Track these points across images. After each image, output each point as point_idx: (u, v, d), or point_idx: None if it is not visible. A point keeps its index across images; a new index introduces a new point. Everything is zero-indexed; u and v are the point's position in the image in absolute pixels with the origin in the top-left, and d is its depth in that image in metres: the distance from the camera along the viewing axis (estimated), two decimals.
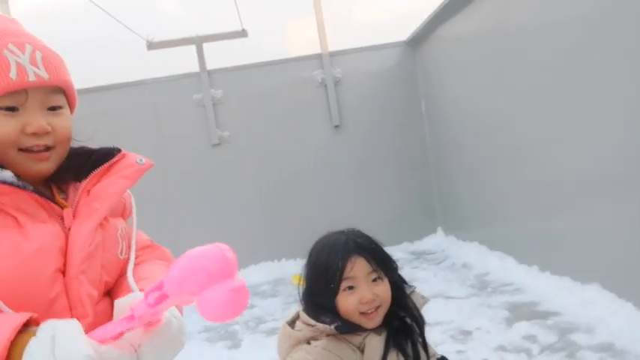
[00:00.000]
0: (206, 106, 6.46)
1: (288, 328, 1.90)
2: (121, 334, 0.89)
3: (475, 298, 4.14)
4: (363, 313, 1.79)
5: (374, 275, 1.84)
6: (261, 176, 6.48)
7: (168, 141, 6.42)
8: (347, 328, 1.77)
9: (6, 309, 0.86)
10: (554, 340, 3.08)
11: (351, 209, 6.21)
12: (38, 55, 1.00)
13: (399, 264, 2.00)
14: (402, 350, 1.81)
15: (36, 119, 0.99)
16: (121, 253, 1.10)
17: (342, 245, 1.87)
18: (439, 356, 1.86)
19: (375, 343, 1.78)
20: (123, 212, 1.23)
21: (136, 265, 1.12)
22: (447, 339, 3.36)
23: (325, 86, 6.55)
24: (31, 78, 0.98)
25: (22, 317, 0.82)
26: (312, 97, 6.57)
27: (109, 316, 0.99)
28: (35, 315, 0.85)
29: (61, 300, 0.95)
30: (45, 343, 0.78)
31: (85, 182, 1.07)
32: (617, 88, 3.11)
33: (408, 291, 1.99)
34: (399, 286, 1.96)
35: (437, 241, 6.36)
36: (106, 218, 1.06)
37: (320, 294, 1.84)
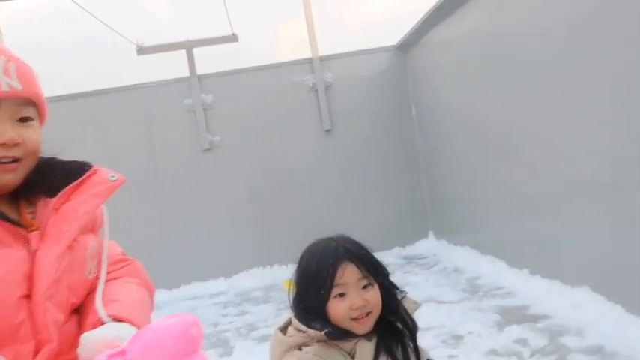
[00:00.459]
0: (196, 111, 6.44)
1: (280, 334, 1.90)
2: None
3: (466, 302, 4.15)
4: (354, 319, 1.79)
5: (364, 281, 1.84)
6: (252, 181, 6.47)
7: (158, 146, 6.39)
8: (338, 334, 1.77)
9: None
10: (545, 344, 3.10)
11: (343, 214, 6.21)
12: (12, 66, 0.99)
13: (390, 269, 2.00)
14: (392, 355, 1.81)
15: (7, 131, 0.97)
16: (90, 273, 1.08)
17: (333, 252, 1.87)
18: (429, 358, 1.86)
19: (366, 349, 1.78)
20: (93, 227, 1.20)
21: (105, 281, 1.08)
22: (438, 344, 3.36)
23: (316, 91, 6.56)
24: (4, 88, 0.97)
25: None
26: (302, 102, 6.57)
27: (75, 337, 0.96)
28: None
29: (26, 326, 0.92)
30: None
31: (54, 200, 1.05)
32: (604, 93, 3.14)
33: (399, 296, 1.99)
34: (389, 292, 1.96)
35: (428, 245, 6.38)
36: (75, 239, 1.04)
37: (310, 300, 1.84)
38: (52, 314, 0.95)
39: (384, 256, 1.99)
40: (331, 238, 1.96)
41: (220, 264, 6.29)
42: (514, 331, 3.33)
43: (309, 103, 6.58)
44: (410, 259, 5.97)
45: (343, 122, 6.57)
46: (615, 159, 3.11)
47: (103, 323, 1.00)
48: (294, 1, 6.68)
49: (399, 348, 1.85)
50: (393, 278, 2.05)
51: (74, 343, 0.95)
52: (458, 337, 3.41)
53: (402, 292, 2.04)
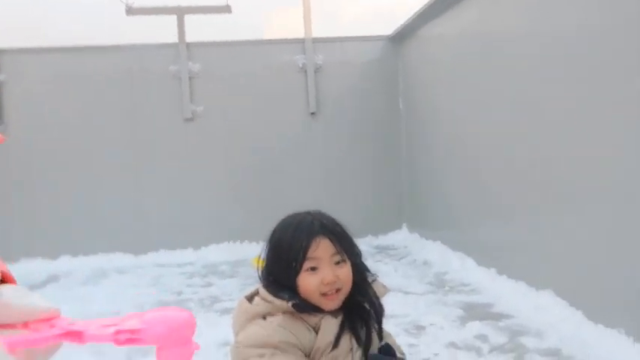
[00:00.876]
0: (182, 79, 6.31)
1: (246, 303, 1.86)
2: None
3: (432, 295, 4.19)
4: (323, 295, 1.77)
5: (337, 258, 1.82)
6: (231, 156, 6.39)
7: (140, 109, 6.25)
8: (305, 307, 1.75)
9: None
10: (505, 342, 3.14)
11: (319, 198, 6.15)
12: None
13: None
14: (356, 334, 1.80)
15: None
16: None
17: (308, 225, 1.84)
18: (383, 344, 1.86)
19: (331, 325, 1.76)
20: None
21: None
22: (400, 332, 3.38)
23: (305, 72, 6.49)
24: None
25: None
26: (290, 82, 6.50)
27: None
28: None
29: None
30: None
31: None
32: (589, 98, 3.16)
33: (370, 279, 1.98)
34: (360, 272, 1.95)
35: (401, 237, 6.42)
36: None
37: (281, 272, 1.81)
38: None
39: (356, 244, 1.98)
40: (308, 213, 1.93)
41: (190, 235, 6.23)
42: (476, 327, 3.37)
43: (297, 83, 6.51)
44: (381, 249, 6.00)
45: (329, 106, 6.53)
46: (591, 168, 3.15)
47: None
48: None
49: (364, 329, 1.84)
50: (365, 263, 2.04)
51: None
52: (420, 328, 3.44)
53: (372, 275, 2.03)
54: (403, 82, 6.55)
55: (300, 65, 6.49)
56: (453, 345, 3.13)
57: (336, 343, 1.73)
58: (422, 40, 5.90)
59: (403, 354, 2.08)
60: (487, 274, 4.37)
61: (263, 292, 1.84)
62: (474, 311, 3.72)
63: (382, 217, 6.53)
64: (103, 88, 6.18)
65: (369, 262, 2.09)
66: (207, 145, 6.36)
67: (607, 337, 2.94)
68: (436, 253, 5.34)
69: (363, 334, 1.82)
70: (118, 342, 0.81)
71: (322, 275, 1.75)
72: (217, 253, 6.04)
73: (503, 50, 4.14)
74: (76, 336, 0.80)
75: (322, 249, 1.79)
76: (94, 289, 4.93)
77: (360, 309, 1.88)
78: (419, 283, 4.56)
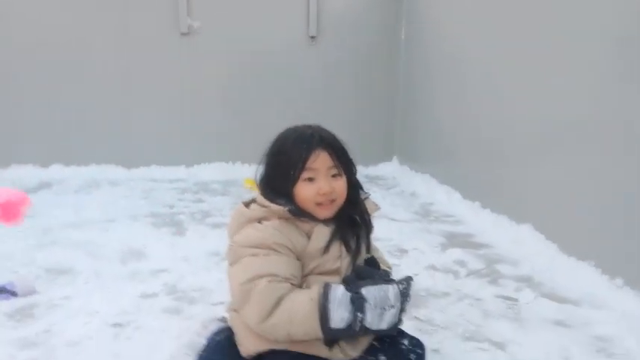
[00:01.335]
0: None
1: (243, 207, 1.96)
2: None
3: (417, 223, 4.35)
4: (318, 204, 1.87)
5: (334, 171, 1.92)
6: (227, 75, 6.31)
7: (132, 20, 6.06)
8: (300, 213, 1.85)
9: None
10: (482, 267, 3.32)
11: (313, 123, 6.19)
12: None
13: None
14: (346, 243, 1.92)
15: None
16: None
17: (309, 137, 1.92)
18: (369, 256, 1.99)
19: (322, 232, 1.88)
20: None
21: None
22: (384, 254, 3.53)
23: None
24: None
25: None
26: (292, 2, 6.31)
27: None
28: None
29: None
30: None
31: None
32: (591, 35, 3.15)
33: (362, 196, 2.09)
34: (355, 187, 2.05)
35: (391, 168, 6.53)
36: None
37: (279, 180, 1.90)
38: None
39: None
40: (308, 126, 2.01)
41: (183, 153, 6.27)
42: (455, 253, 3.54)
43: (298, 4, 6.32)
44: (371, 179, 6.13)
45: (330, 31, 6.39)
46: (585, 112, 3.20)
47: None
48: None
49: (354, 239, 1.96)
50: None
51: None
52: (403, 251, 3.61)
53: (365, 193, 2.13)
54: (407, 11, 6.38)
55: None
56: (432, 267, 3.30)
57: (326, 249, 1.86)
58: None
59: (390, 268, 2.23)
60: (471, 208, 4.52)
61: (260, 198, 1.94)
62: (456, 240, 3.89)
63: (374, 148, 6.61)
64: None
65: None
66: (203, 61, 6.26)
67: (577, 269, 3.12)
68: (424, 185, 5.47)
69: (353, 243, 1.95)
70: None
71: (319, 186, 1.85)
72: (209, 171, 6.11)
73: None
74: None
75: (320, 161, 1.88)
76: (86, 198, 5.02)
77: (352, 221, 1.99)
78: (405, 211, 4.70)
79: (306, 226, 1.86)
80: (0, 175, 5.73)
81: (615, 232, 2.95)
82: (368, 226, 2.04)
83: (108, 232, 3.90)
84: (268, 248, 1.76)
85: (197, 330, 2.11)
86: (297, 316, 1.65)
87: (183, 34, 6.16)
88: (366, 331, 1.68)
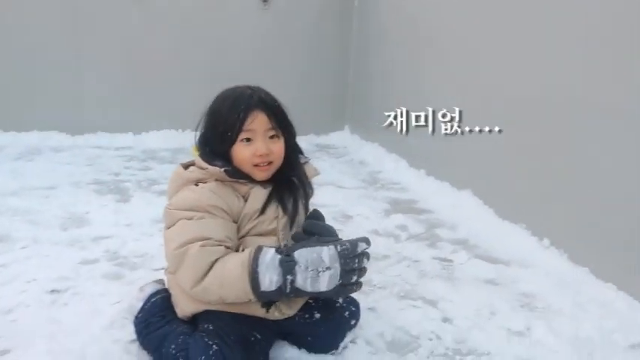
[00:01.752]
0: None
1: (181, 169, 1.97)
2: None
3: (363, 190, 4.45)
4: (255, 165, 1.89)
5: (272, 132, 1.93)
6: (178, 41, 6.12)
7: None
8: (237, 174, 1.87)
9: None
10: (422, 232, 3.46)
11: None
12: None
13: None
14: (283, 205, 1.95)
15: None
16: None
17: (247, 98, 1.91)
18: (312, 210, 2.03)
19: (259, 194, 1.91)
20: None
21: None
22: (329, 219, 3.53)
23: None
24: None
25: None
26: None
27: None
28: None
29: None
30: None
31: None
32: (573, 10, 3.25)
33: (302, 160, 2.12)
34: (293, 150, 2.07)
35: (342, 137, 6.58)
36: None
37: (217, 141, 1.90)
38: None
39: (297, 141, 2.06)
40: (248, 87, 2.00)
41: (130, 119, 6.10)
42: (398, 219, 3.67)
43: None
44: (321, 148, 6.17)
45: None
46: (546, 82, 3.32)
47: None
48: None
49: (291, 200, 1.99)
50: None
51: None
52: (347, 217, 3.70)
53: (305, 157, 2.16)
54: None
55: None
56: (375, 232, 3.41)
57: (262, 210, 1.90)
58: None
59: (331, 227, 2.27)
60: (417, 175, 4.65)
61: (198, 160, 1.94)
62: (399, 206, 4.02)
63: (325, 117, 6.63)
64: None
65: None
66: (154, 26, 6.04)
67: (510, 232, 3.31)
68: (373, 154, 5.57)
69: (290, 204, 1.98)
70: None
71: (256, 147, 1.87)
72: (157, 139, 5.98)
73: None
74: None
75: (258, 122, 1.89)
76: (27, 165, 4.84)
77: (290, 183, 2.02)
78: (352, 179, 4.79)
79: (244, 187, 1.88)
80: None
81: (543, 195, 3.14)
82: (306, 189, 2.07)
83: (48, 198, 3.80)
84: (204, 211, 1.78)
85: (135, 294, 2.12)
86: (227, 280, 1.67)
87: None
88: (301, 293, 1.66)
